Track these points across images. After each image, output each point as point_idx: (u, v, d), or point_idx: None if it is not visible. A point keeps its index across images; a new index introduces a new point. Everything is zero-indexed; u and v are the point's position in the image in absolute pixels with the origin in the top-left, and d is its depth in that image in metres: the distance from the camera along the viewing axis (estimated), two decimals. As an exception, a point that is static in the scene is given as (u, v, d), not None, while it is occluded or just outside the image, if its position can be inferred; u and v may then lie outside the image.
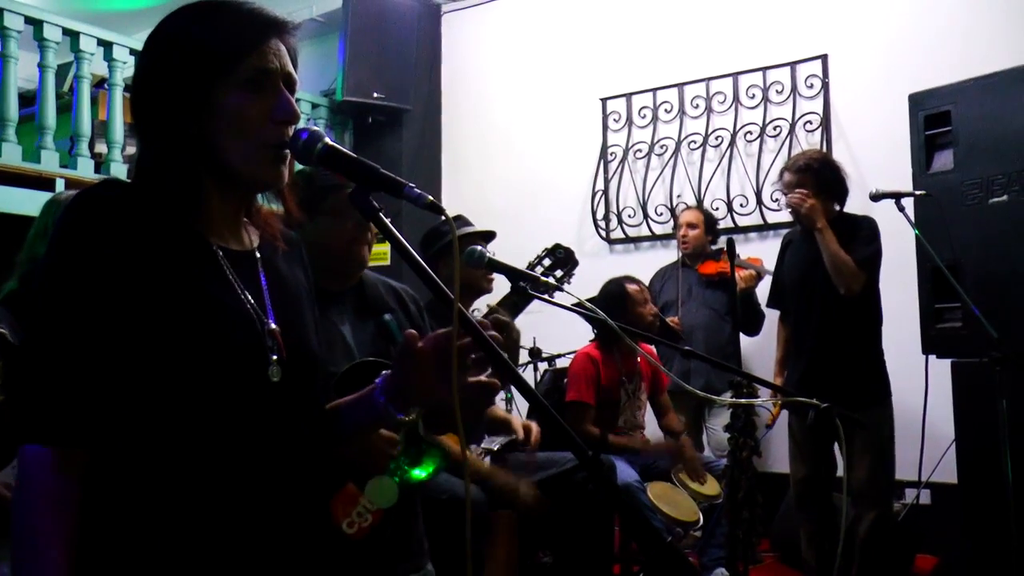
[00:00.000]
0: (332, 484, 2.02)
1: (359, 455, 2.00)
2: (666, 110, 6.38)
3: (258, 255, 1.45)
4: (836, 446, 3.91)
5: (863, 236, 3.96)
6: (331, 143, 1.33)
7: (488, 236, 3.81)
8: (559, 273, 2.54)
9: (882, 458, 3.97)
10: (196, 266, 1.34)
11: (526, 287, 2.52)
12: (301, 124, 1.38)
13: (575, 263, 2.62)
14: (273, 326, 1.38)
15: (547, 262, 2.56)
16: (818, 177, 4.03)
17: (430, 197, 1.24)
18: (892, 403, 4.03)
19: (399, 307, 2.46)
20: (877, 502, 3.97)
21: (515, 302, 2.53)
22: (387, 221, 1.31)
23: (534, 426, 3.87)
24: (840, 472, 3.95)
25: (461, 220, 3.83)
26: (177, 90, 1.34)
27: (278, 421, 1.36)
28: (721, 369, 4.43)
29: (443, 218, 1.30)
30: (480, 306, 3.55)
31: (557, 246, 2.58)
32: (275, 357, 1.36)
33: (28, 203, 5.00)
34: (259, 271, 1.43)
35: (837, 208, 4.08)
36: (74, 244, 1.27)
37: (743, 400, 3.38)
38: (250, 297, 1.38)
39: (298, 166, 1.42)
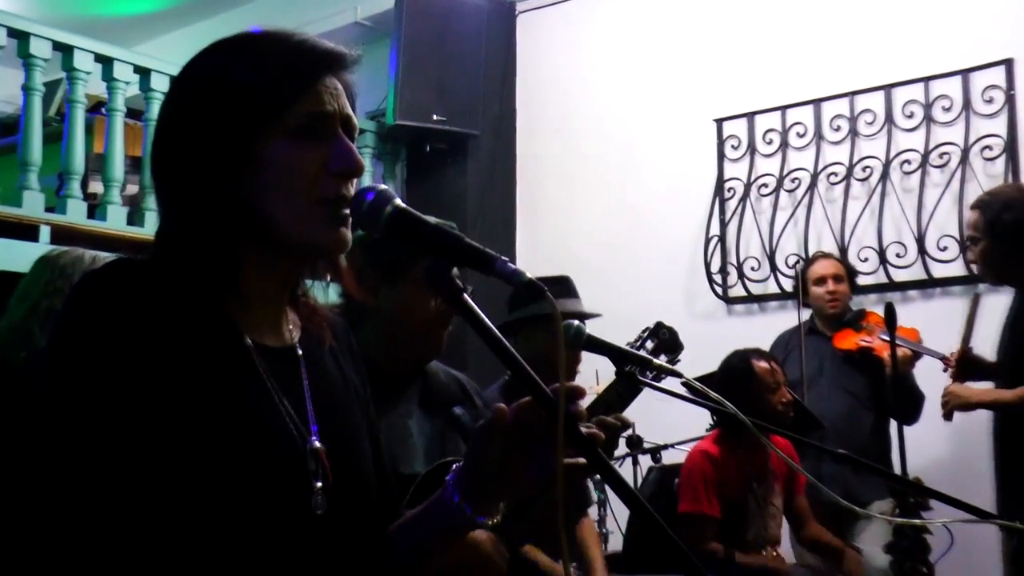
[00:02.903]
0: None
1: None
2: (798, 134, 6.26)
3: (299, 351, 1.48)
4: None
5: None
6: (403, 206, 1.35)
7: (589, 317, 3.82)
8: (663, 359, 2.56)
9: None
10: (226, 369, 1.35)
11: (634, 371, 2.49)
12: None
13: (680, 347, 2.66)
14: (317, 444, 1.41)
15: (649, 344, 2.61)
16: (991, 218, 3.87)
17: (528, 275, 1.27)
18: None
19: (465, 399, 2.66)
20: None
21: (620, 392, 2.54)
22: (472, 303, 1.32)
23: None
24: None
25: (563, 285, 3.91)
26: (212, 140, 1.36)
27: (323, 562, 1.38)
28: (884, 478, 4.27)
29: (534, 290, 1.30)
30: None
31: (660, 325, 2.63)
32: (319, 484, 1.39)
33: (5, 256, 5.06)
34: (301, 373, 1.47)
35: None
36: (76, 350, 1.28)
37: (916, 521, 3.25)
38: (290, 407, 1.40)
39: None
